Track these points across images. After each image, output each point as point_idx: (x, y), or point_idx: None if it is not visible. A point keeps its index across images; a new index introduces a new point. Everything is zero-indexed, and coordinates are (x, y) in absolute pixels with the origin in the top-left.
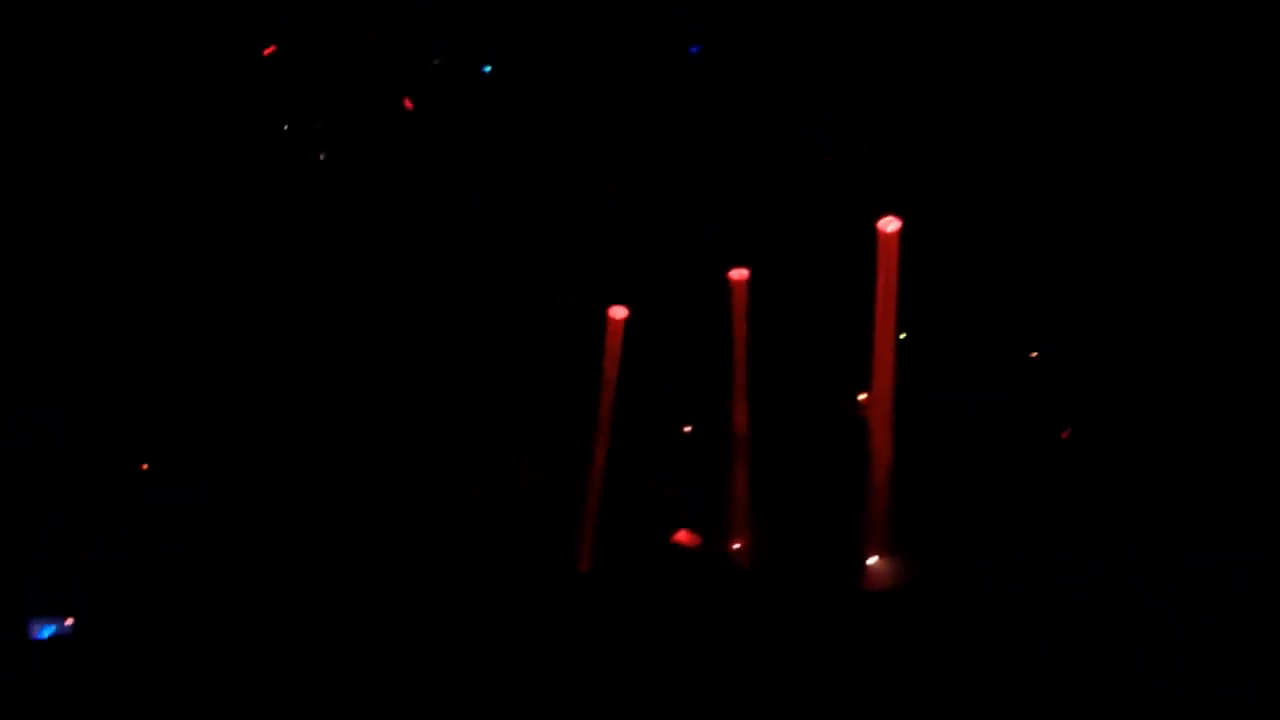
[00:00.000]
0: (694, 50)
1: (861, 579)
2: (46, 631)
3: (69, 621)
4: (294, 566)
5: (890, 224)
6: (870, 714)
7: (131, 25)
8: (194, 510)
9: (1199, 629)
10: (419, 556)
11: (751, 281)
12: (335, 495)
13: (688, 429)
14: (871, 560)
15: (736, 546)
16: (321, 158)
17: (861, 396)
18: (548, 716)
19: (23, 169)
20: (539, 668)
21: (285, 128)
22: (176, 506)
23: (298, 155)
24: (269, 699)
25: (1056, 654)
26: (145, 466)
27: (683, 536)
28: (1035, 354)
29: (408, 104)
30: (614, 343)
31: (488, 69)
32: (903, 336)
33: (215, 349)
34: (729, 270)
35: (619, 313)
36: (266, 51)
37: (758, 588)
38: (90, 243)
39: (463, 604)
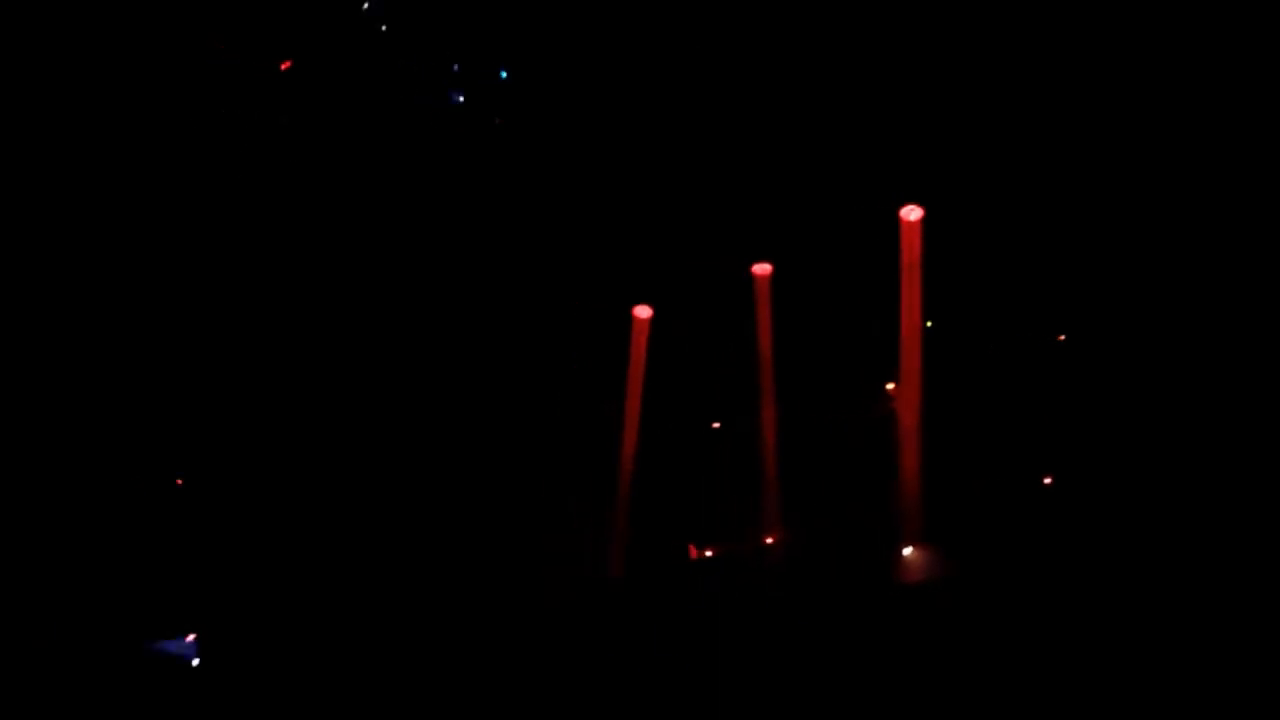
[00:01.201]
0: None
1: (896, 570)
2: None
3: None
4: (307, 570)
5: (913, 213)
6: (905, 705)
7: (130, 25)
8: (195, 512)
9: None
10: (448, 563)
11: (775, 275)
12: (355, 499)
13: (716, 425)
14: (906, 551)
15: (770, 541)
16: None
17: (889, 386)
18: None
19: (21, 169)
20: (575, 672)
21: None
22: (175, 508)
23: (307, 158)
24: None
25: (1091, 645)
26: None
27: (691, 550)
28: (1063, 337)
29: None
30: (639, 342)
31: (504, 74)
32: (929, 325)
33: (232, 350)
34: (752, 265)
35: (643, 312)
36: (284, 66)
37: (792, 582)
38: (88, 243)
39: (495, 611)
